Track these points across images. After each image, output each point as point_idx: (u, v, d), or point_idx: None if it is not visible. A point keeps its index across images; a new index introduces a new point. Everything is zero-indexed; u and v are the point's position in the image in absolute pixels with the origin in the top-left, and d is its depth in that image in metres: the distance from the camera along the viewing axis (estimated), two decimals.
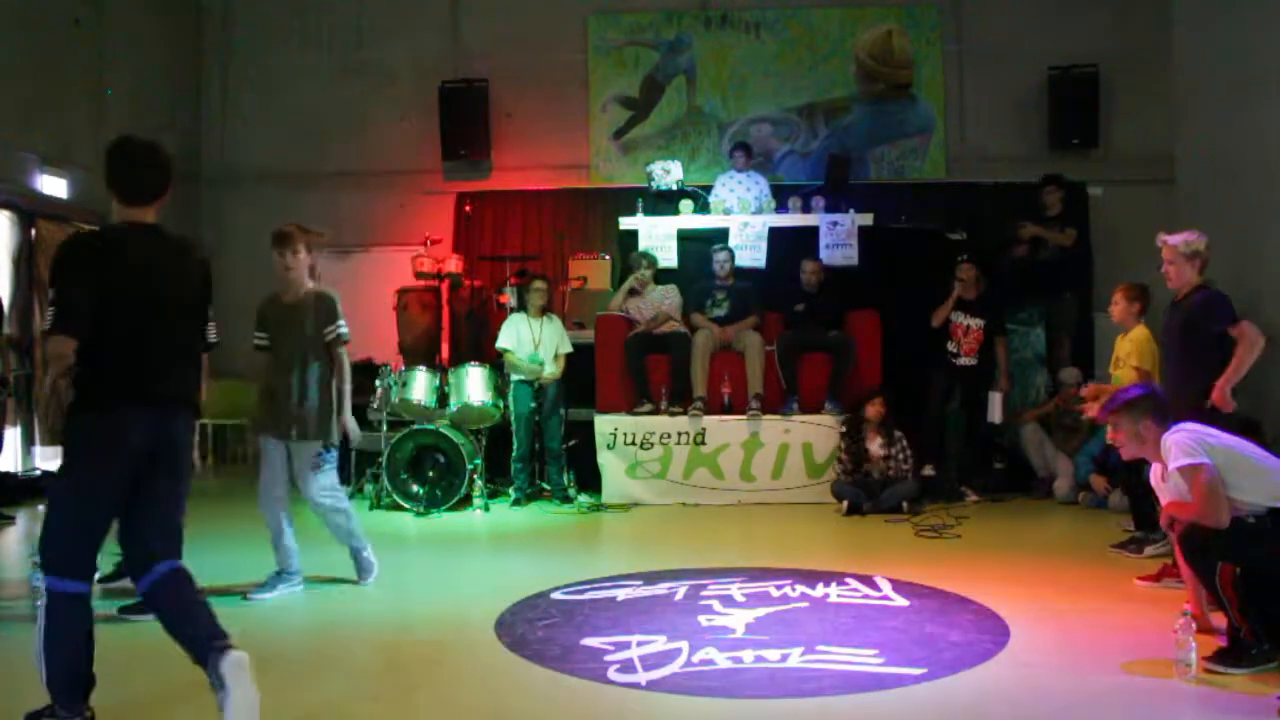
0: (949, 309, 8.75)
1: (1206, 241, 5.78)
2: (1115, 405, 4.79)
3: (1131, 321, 6.70)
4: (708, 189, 10.34)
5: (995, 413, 8.70)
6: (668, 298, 9.18)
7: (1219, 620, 4.56)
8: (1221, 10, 10.30)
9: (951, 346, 8.74)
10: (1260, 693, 3.97)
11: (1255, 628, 4.26)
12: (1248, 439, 7.23)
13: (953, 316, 8.76)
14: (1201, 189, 10.69)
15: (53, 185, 9.90)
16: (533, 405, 8.72)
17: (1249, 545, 4.33)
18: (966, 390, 8.77)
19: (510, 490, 8.82)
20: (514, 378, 8.78)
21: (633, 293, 9.17)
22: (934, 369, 8.84)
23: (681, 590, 5.72)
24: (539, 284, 8.99)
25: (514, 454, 8.80)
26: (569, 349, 8.97)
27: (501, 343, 8.85)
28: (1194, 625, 4.25)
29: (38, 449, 9.56)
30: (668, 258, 9.57)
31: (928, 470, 8.51)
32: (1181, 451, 4.46)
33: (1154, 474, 4.92)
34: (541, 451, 8.93)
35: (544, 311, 8.94)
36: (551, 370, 8.80)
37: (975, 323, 8.70)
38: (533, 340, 8.75)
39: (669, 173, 10.29)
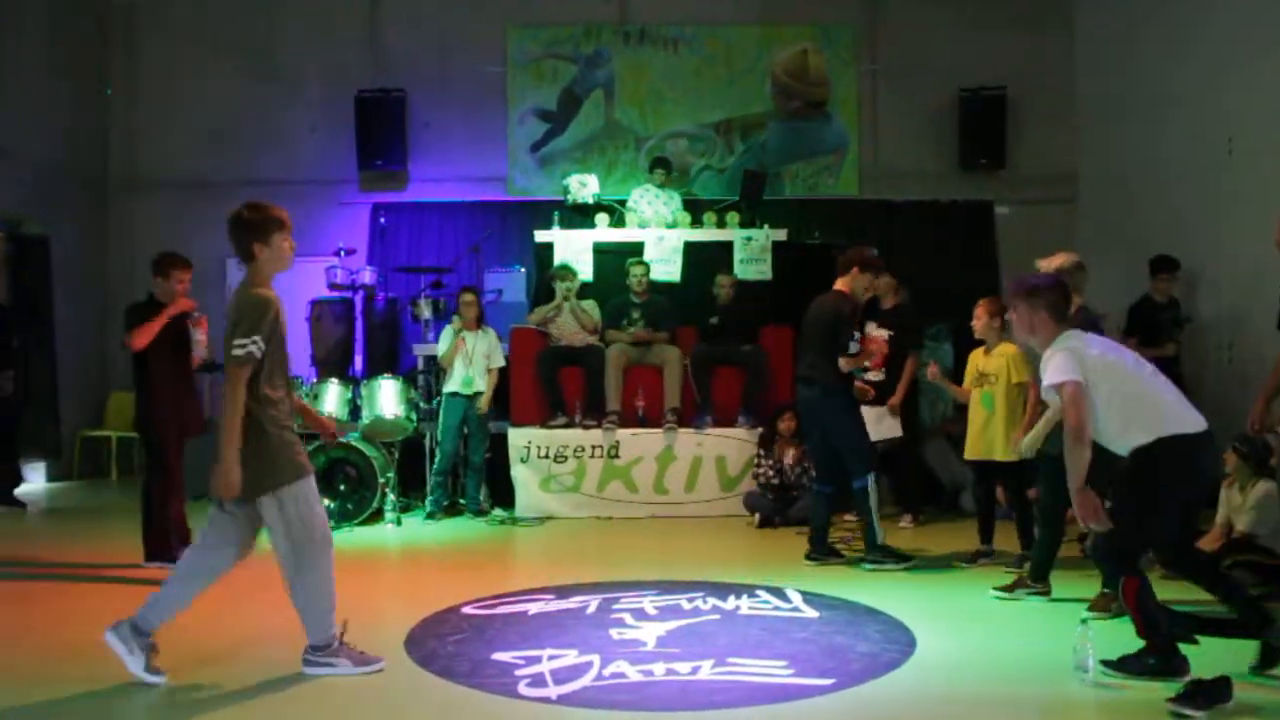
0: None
1: (1074, 261, 5.88)
2: (1020, 288, 4.78)
3: (994, 337, 6.69)
4: (624, 202, 10.38)
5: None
6: (590, 312, 9.19)
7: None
8: (1123, 36, 10.70)
9: (864, 360, 8.62)
10: (1153, 693, 4.10)
11: (1160, 644, 4.37)
12: None
13: (865, 327, 8.64)
14: (1102, 208, 11.09)
15: None
16: (462, 416, 8.67)
17: (1144, 519, 4.45)
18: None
19: (427, 503, 8.73)
20: (446, 389, 8.72)
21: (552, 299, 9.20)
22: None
23: (594, 604, 5.73)
24: (468, 296, 8.93)
25: (436, 466, 8.73)
26: (501, 363, 8.92)
27: (440, 350, 8.79)
28: (1091, 631, 4.37)
29: None
30: (584, 271, 9.58)
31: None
32: (1056, 370, 4.50)
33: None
34: (463, 464, 8.85)
35: (478, 323, 8.89)
36: (480, 384, 8.74)
37: (881, 333, 8.51)
38: (466, 352, 8.69)
39: (586, 186, 10.31)
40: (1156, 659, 4.35)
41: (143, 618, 4.46)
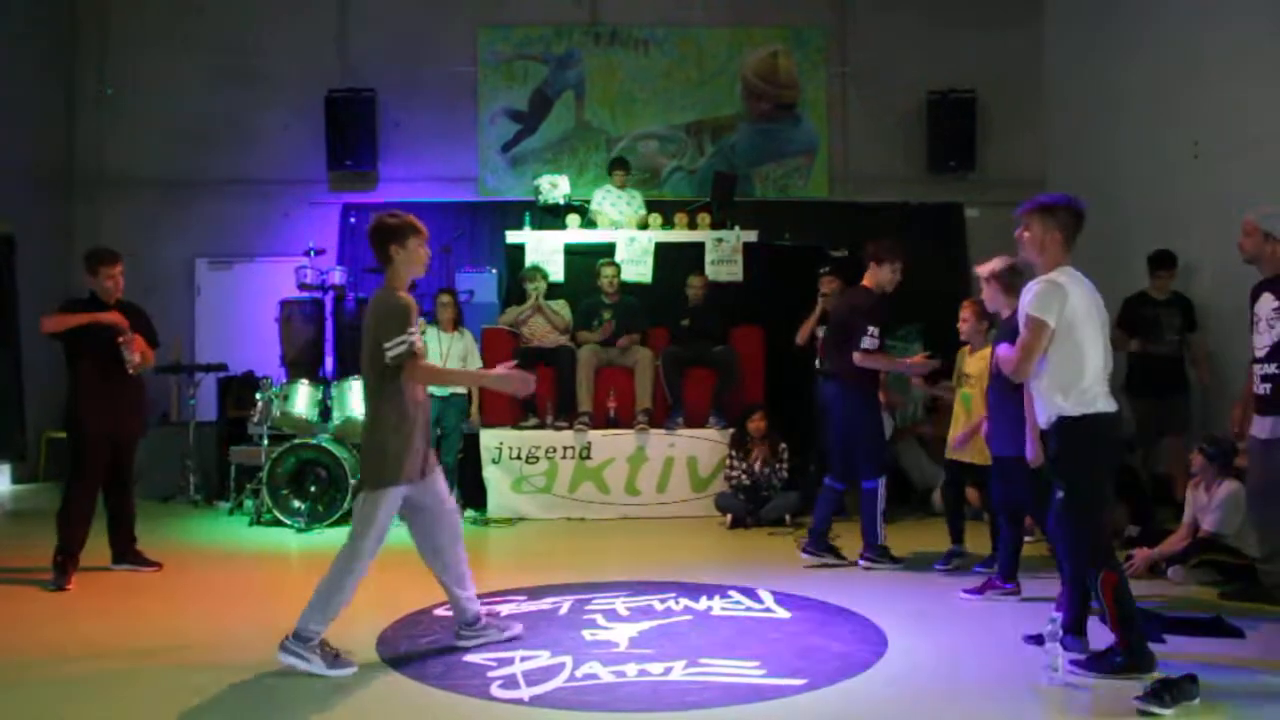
0: (812, 325, 8.77)
1: (1009, 264, 5.88)
2: (1035, 204, 4.73)
3: (980, 340, 6.68)
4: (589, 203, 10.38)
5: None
6: (561, 312, 9.19)
7: None
8: (1090, 39, 10.79)
9: (820, 364, 8.66)
10: (1122, 691, 4.15)
11: (1131, 640, 4.41)
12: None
13: (817, 332, 8.59)
14: None
15: None
16: (436, 418, 8.63)
17: (1093, 505, 4.56)
18: None
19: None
20: None
21: (523, 301, 9.20)
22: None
23: (566, 605, 5.74)
24: (445, 298, 8.91)
25: None
26: (478, 364, 8.91)
27: None
28: (1060, 632, 4.41)
29: None
30: (555, 272, 9.59)
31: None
32: (1038, 302, 4.52)
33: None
34: None
35: (455, 325, 8.87)
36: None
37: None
38: (441, 354, 8.67)
39: (556, 187, 10.30)
40: (1124, 656, 4.40)
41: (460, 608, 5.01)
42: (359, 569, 4.70)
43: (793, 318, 9.02)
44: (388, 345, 4.57)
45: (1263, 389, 5.64)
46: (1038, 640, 4.63)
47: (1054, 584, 5.77)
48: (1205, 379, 8.53)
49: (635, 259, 9.76)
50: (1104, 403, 4.51)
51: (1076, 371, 4.48)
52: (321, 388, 8.68)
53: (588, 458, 8.71)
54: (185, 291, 11.88)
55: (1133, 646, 4.41)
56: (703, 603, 5.76)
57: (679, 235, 10.00)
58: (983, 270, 6.03)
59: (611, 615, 5.51)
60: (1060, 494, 4.59)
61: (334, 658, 4.61)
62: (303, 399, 8.55)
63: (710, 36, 12.07)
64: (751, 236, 10.01)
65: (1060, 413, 4.51)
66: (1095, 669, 4.44)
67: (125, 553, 6.75)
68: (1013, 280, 5.80)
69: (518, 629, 5.12)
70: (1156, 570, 6.34)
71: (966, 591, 5.95)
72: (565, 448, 8.70)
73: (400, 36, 11.87)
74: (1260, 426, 5.68)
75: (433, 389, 8.50)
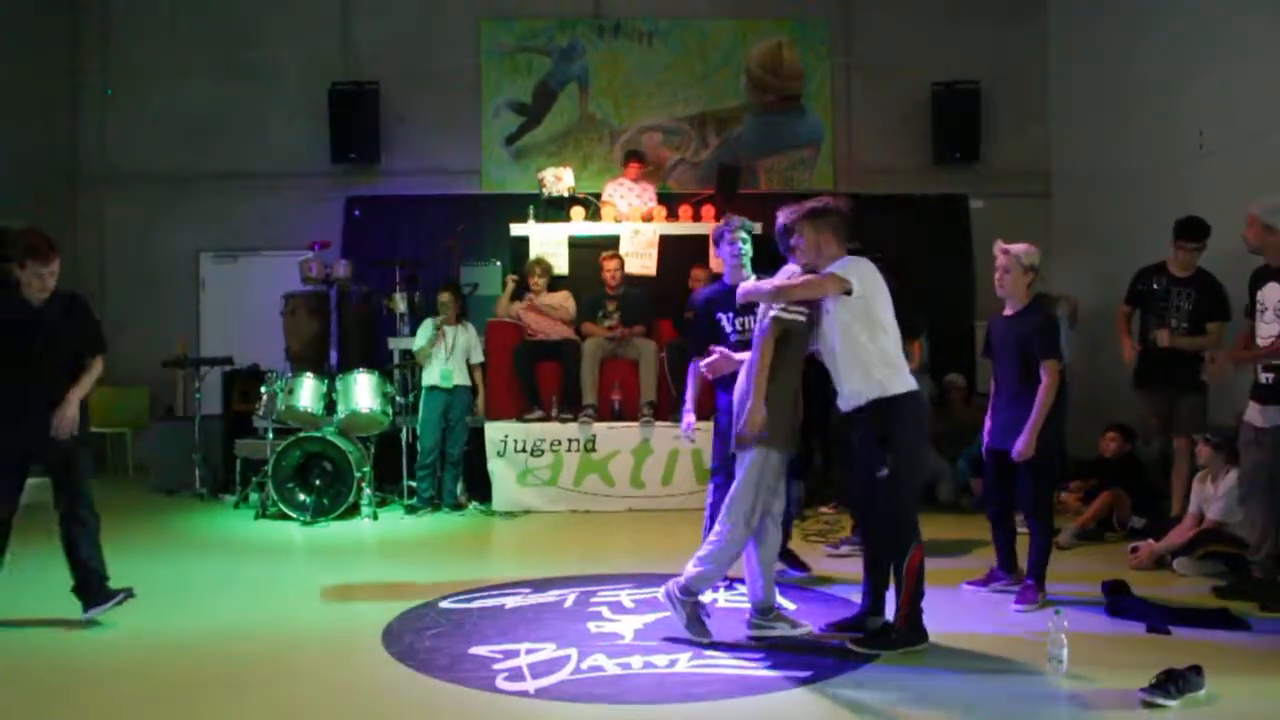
0: None
1: (1036, 253, 5.81)
2: (802, 212, 4.91)
3: None
4: (599, 196, 10.36)
5: None
6: (564, 304, 9.19)
7: None
8: (1095, 31, 10.77)
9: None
10: (1125, 682, 4.14)
11: (911, 615, 4.72)
12: (1126, 446, 7.51)
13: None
14: (1075, 203, 11.14)
15: None
16: (442, 410, 8.65)
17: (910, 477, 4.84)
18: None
19: (414, 499, 8.70)
20: (425, 383, 8.70)
21: (522, 297, 9.18)
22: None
23: (571, 597, 5.75)
24: (445, 296, 8.91)
25: (419, 460, 8.70)
26: (480, 358, 8.91)
27: (417, 344, 8.77)
28: (1065, 623, 4.40)
29: None
30: (559, 264, 9.58)
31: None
32: (841, 269, 4.72)
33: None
34: (439, 458, 8.81)
35: (458, 319, 8.87)
36: (460, 378, 8.73)
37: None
38: (445, 348, 8.68)
39: (561, 179, 10.29)
40: (899, 634, 4.72)
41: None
42: (776, 536, 5.01)
43: None
44: (781, 310, 4.79)
45: (1265, 378, 5.60)
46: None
47: (1058, 581, 5.77)
48: (1214, 377, 6.42)
49: (639, 251, 9.75)
50: (911, 379, 4.79)
51: (889, 351, 4.71)
52: (326, 381, 8.68)
53: (593, 450, 8.70)
54: (190, 285, 11.90)
55: (910, 620, 4.70)
56: (708, 595, 5.75)
57: (683, 227, 9.98)
58: (1014, 248, 5.76)
59: (617, 607, 5.51)
60: (885, 472, 4.71)
61: (791, 620, 5.03)
62: (307, 392, 8.56)
63: (714, 28, 12.05)
64: (756, 228, 9.97)
65: (884, 392, 4.68)
66: (876, 645, 4.69)
67: (89, 594, 5.33)
68: (1037, 266, 5.79)
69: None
70: (1163, 563, 6.33)
71: (970, 584, 5.95)
72: (570, 440, 8.70)
73: (403, 29, 11.86)
74: (1255, 415, 5.65)
75: (439, 382, 8.58)
